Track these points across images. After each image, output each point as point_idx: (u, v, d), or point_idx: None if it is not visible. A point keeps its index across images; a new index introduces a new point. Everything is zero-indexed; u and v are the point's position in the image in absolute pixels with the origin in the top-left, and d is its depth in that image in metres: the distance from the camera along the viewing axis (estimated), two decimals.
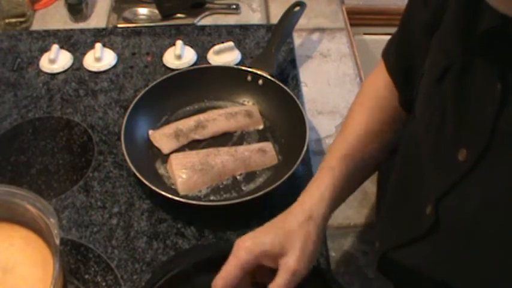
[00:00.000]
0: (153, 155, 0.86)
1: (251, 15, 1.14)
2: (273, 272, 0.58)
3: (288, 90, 0.90)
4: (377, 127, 0.68)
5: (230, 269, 0.57)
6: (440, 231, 0.53)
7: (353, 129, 0.68)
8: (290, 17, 0.99)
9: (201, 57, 1.03)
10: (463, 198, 0.50)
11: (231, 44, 1.02)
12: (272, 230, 0.60)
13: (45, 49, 1.03)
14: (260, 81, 0.93)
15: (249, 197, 0.76)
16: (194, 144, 0.88)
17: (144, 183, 0.77)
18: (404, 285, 0.65)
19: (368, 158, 0.67)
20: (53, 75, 1.00)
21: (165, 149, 0.86)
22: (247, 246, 0.57)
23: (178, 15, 1.12)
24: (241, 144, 0.88)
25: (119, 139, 0.86)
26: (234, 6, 1.15)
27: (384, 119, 0.69)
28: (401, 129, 0.67)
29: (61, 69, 1.00)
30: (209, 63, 1.01)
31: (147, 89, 0.90)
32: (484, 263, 0.49)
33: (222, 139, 0.89)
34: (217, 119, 0.89)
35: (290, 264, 0.57)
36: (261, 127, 0.91)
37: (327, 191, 0.62)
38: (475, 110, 0.49)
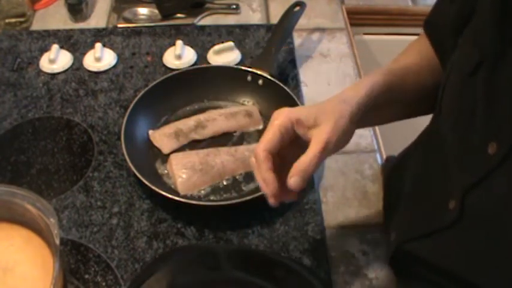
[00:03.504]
0: (153, 155, 0.86)
1: (251, 15, 1.14)
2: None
3: (288, 90, 0.90)
4: (417, 66, 0.69)
5: (269, 134, 0.59)
6: (463, 224, 0.53)
7: (394, 63, 0.70)
8: (290, 17, 0.99)
9: (201, 57, 1.03)
10: (490, 192, 0.50)
11: (231, 44, 1.02)
12: (307, 107, 0.63)
13: (45, 49, 1.03)
14: (260, 81, 0.93)
15: (249, 197, 0.76)
16: (194, 144, 0.88)
17: (144, 183, 0.77)
18: (413, 280, 0.65)
19: (406, 88, 0.67)
20: (53, 75, 1.00)
21: (165, 149, 0.86)
22: (283, 113, 0.60)
23: (178, 15, 1.12)
24: (241, 144, 0.88)
25: (118, 139, 0.86)
26: (234, 6, 1.15)
27: (423, 63, 0.69)
28: (439, 79, 0.67)
29: (61, 69, 1.00)
30: (209, 63, 1.01)
31: (147, 89, 0.90)
32: (505, 256, 0.49)
33: (222, 139, 0.89)
34: (217, 119, 0.89)
35: (323, 133, 0.58)
36: (261, 127, 0.91)
37: (364, 88, 0.63)
38: (507, 103, 0.48)
